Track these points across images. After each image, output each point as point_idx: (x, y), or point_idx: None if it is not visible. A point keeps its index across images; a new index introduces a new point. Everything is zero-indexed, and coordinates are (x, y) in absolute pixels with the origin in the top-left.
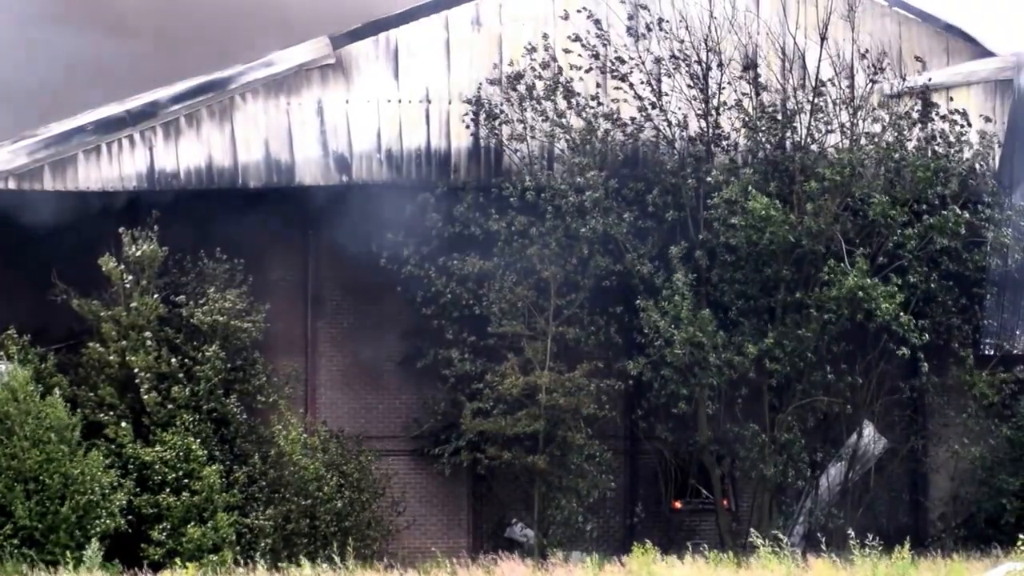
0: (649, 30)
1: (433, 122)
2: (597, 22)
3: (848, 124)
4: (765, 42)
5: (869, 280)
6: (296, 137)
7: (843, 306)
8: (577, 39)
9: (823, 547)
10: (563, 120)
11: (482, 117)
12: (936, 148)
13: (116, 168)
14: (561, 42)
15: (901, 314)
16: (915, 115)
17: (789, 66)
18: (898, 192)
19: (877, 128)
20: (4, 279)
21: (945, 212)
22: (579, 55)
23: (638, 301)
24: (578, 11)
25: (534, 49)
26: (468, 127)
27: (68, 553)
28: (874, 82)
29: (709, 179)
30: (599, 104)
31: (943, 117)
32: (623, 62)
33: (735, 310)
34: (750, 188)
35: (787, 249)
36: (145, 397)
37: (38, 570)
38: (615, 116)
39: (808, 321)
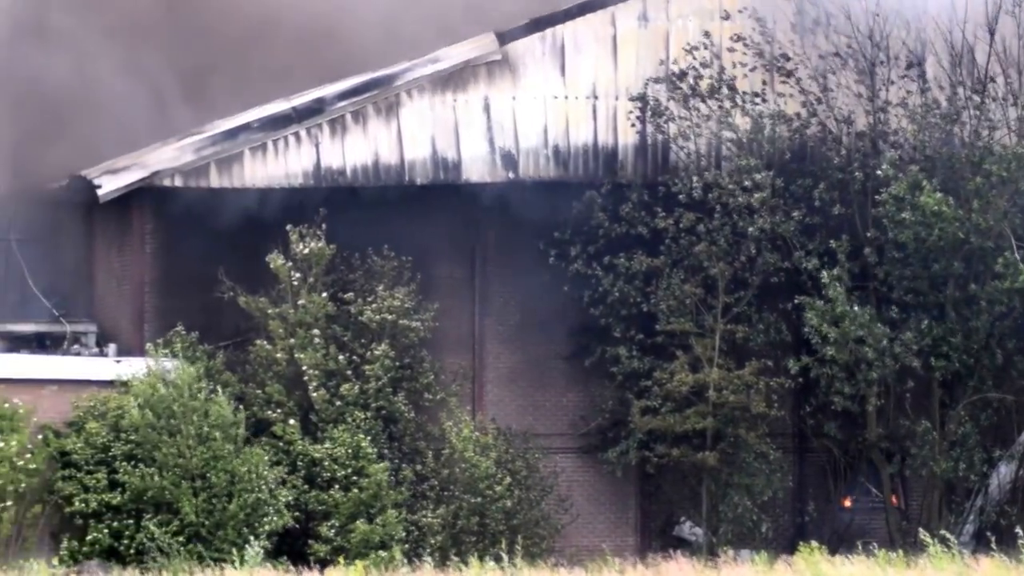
0: (817, 25)
1: (600, 119)
2: (760, 20)
3: (1017, 121)
4: (932, 36)
5: None
6: (463, 134)
7: (1014, 298)
8: (740, 39)
9: (993, 546)
10: (728, 119)
11: (648, 114)
12: None
13: (282, 165)
14: (727, 37)
15: None
16: None
17: (957, 61)
18: None
19: None
20: (171, 276)
21: None
22: (743, 53)
23: (797, 299)
24: (739, 11)
25: (695, 48)
26: (634, 125)
27: (235, 550)
28: None
29: (879, 172)
30: (764, 101)
31: None
32: (788, 59)
33: (903, 305)
34: (923, 183)
35: (956, 245)
36: (314, 395)
37: (205, 567)
38: (781, 113)
39: (978, 314)
